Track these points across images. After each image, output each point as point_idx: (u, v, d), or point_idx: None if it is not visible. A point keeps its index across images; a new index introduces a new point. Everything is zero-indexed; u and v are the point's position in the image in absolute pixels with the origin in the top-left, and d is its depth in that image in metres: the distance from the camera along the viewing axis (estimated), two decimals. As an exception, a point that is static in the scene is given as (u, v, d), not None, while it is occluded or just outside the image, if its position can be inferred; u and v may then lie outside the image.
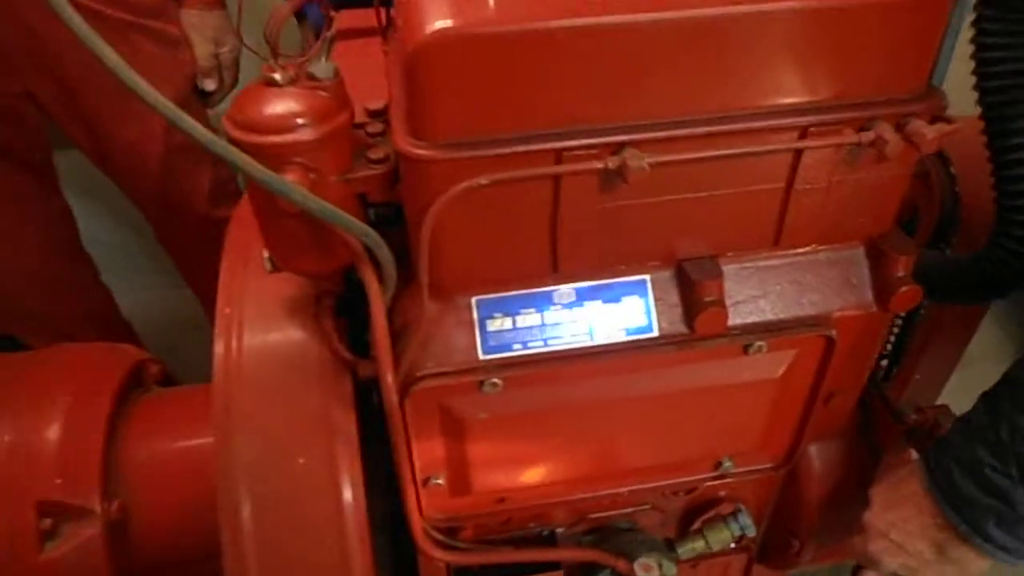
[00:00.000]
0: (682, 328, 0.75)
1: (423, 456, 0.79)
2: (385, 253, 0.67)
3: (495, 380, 0.73)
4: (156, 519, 1.00)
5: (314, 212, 0.62)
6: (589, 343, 0.74)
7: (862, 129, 0.67)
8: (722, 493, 0.97)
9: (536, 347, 0.73)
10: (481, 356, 0.73)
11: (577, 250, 0.71)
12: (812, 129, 0.67)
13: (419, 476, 0.81)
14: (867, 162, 0.70)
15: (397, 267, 0.70)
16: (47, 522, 0.90)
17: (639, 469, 0.88)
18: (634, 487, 0.90)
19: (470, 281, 0.73)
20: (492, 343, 0.73)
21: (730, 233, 0.74)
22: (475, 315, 0.73)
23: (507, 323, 0.73)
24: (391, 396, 0.70)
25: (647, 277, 0.75)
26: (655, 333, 0.75)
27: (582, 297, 0.74)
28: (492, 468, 0.83)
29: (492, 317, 0.73)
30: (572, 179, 0.66)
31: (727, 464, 0.90)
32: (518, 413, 0.77)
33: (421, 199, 0.65)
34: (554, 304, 0.74)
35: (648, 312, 0.75)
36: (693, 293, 0.74)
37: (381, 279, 0.70)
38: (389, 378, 0.69)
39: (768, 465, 0.92)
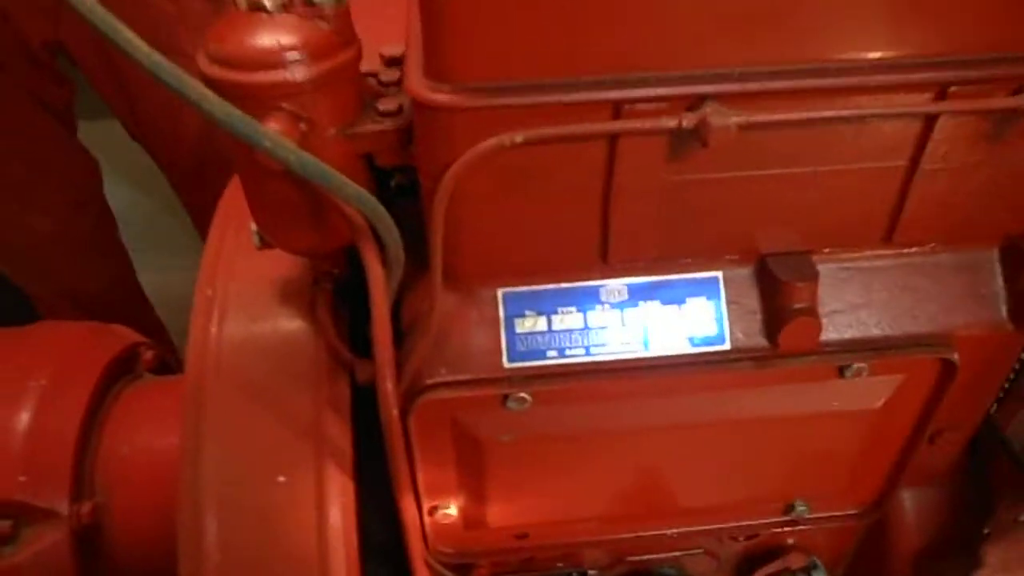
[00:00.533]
0: (761, 341, 0.59)
1: (430, 481, 0.65)
2: (388, 226, 0.53)
3: (522, 395, 0.58)
4: (134, 524, 0.87)
5: (293, 167, 0.48)
6: (642, 354, 0.59)
7: (1018, 91, 0.51)
8: (790, 541, 0.81)
9: (575, 356, 0.59)
10: (506, 364, 0.58)
11: (633, 235, 0.56)
12: (953, 89, 0.51)
13: (425, 504, 0.67)
14: (1018, 137, 0.54)
15: (411, 249, 0.55)
16: (6, 524, 0.79)
17: (693, 509, 0.73)
18: (684, 529, 0.74)
19: (496, 269, 0.58)
20: (520, 348, 0.58)
21: (830, 223, 0.58)
22: (501, 312, 0.58)
23: (540, 324, 0.58)
24: (389, 407, 0.56)
25: (719, 274, 0.60)
26: (726, 346, 0.60)
27: (636, 296, 0.59)
28: (514, 499, 0.68)
29: (522, 316, 0.58)
30: (633, 141, 0.51)
31: (800, 508, 0.74)
32: (549, 436, 0.62)
33: (438, 159, 0.51)
34: (601, 303, 0.59)
35: (719, 319, 0.59)
36: (778, 297, 0.58)
37: (385, 261, 0.56)
38: (388, 385, 0.55)
39: (851, 512, 0.76)
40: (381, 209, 0.52)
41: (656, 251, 0.58)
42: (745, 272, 0.60)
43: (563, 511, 0.71)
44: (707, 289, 0.60)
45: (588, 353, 0.59)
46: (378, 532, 0.70)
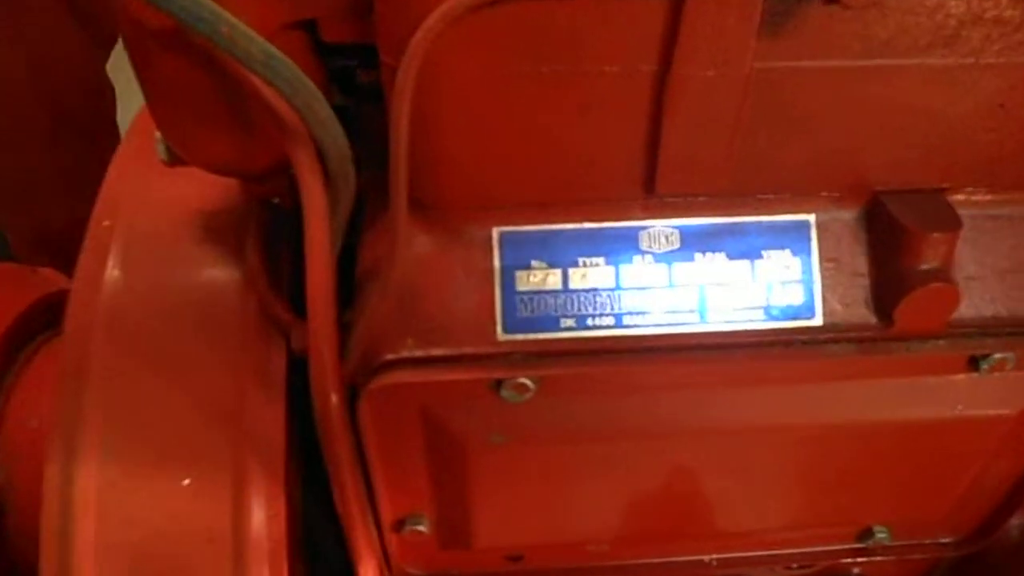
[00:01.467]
0: (867, 316, 0.42)
1: (393, 486, 0.48)
2: (321, 118, 0.35)
3: (523, 380, 0.40)
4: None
5: (176, 14, 0.30)
6: (696, 328, 0.41)
7: None
8: (856, 571, 0.63)
9: (601, 328, 0.41)
10: (501, 335, 0.41)
11: (694, 152, 0.38)
12: None
13: (387, 516, 0.49)
14: None
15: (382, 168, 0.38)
16: None
17: (742, 532, 0.55)
18: (728, 555, 0.57)
19: (490, 197, 0.40)
20: (522, 314, 0.40)
21: (981, 148, 0.40)
22: (496, 261, 0.41)
23: (552, 280, 0.41)
24: (325, 389, 0.38)
25: (811, 217, 0.42)
26: (817, 320, 0.42)
27: (692, 244, 0.41)
28: (507, 513, 0.51)
29: (526, 267, 0.41)
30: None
31: (880, 535, 0.56)
32: (559, 439, 0.45)
33: (399, 21, 0.33)
34: (641, 252, 0.41)
35: (808, 282, 0.41)
36: (899, 253, 0.40)
37: (326, 176, 0.38)
38: (326, 356, 0.38)
39: (944, 540, 0.58)
40: (308, 87, 0.34)
41: (724, 180, 0.40)
42: (849, 216, 0.42)
43: (572, 530, 0.53)
44: (793, 238, 0.42)
45: (619, 324, 0.41)
46: (337, 553, 0.53)
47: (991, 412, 0.46)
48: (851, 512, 0.55)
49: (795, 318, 0.42)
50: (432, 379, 0.40)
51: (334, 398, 0.39)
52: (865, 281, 0.42)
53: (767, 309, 0.42)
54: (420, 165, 0.38)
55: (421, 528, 0.51)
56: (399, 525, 0.51)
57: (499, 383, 0.41)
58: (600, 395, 0.43)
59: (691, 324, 0.41)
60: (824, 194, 0.42)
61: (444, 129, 0.37)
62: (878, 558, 0.59)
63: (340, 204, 0.40)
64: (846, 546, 0.59)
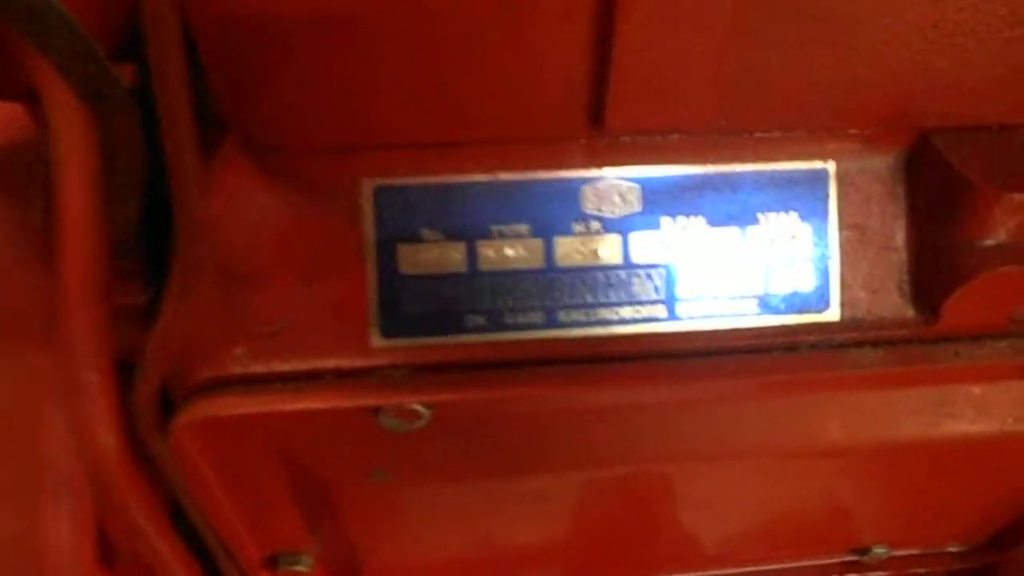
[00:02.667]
0: (903, 308, 0.29)
1: (253, 523, 0.35)
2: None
3: (415, 406, 0.27)
4: None
5: None
6: (664, 326, 0.29)
7: None
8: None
9: (527, 326, 0.28)
10: (376, 340, 0.27)
11: (661, 68, 0.24)
12: None
13: (253, 555, 0.37)
14: None
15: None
16: None
17: (703, 557, 0.44)
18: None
19: (355, 133, 0.26)
20: (408, 308, 0.27)
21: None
22: (367, 229, 0.27)
23: (452, 256, 0.27)
24: (89, 422, 0.25)
25: (829, 166, 0.29)
26: (834, 314, 0.29)
27: (657, 205, 0.28)
28: (410, 550, 0.39)
29: (413, 238, 0.27)
30: None
31: (879, 551, 0.46)
32: (466, 474, 0.32)
33: None
34: (583, 216, 0.28)
35: (823, 258, 0.29)
36: (957, 221, 0.27)
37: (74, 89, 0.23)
38: (84, 371, 0.24)
39: (953, 549, 0.48)
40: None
41: (707, 109, 0.27)
42: (883, 164, 0.29)
43: (500, 559, 0.42)
44: (803, 196, 0.29)
45: (552, 323, 0.28)
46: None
47: (1049, 427, 0.35)
48: (843, 536, 0.45)
49: (802, 311, 0.29)
50: (274, 408, 0.27)
51: (103, 435, 0.25)
52: (902, 258, 0.29)
53: (764, 299, 0.29)
54: (242, 81, 0.24)
55: (300, 568, 0.39)
56: (271, 564, 0.39)
57: (377, 411, 0.28)
58: (525, 422, 0.30)
59: (656, 321, 0.29)
60: (850, 131, 0.29)
61: (271, 21, 0.23)
62: (874, 574, 0.49)
63: (121, 148, 0.25)
64: (836, 560, 0.48)
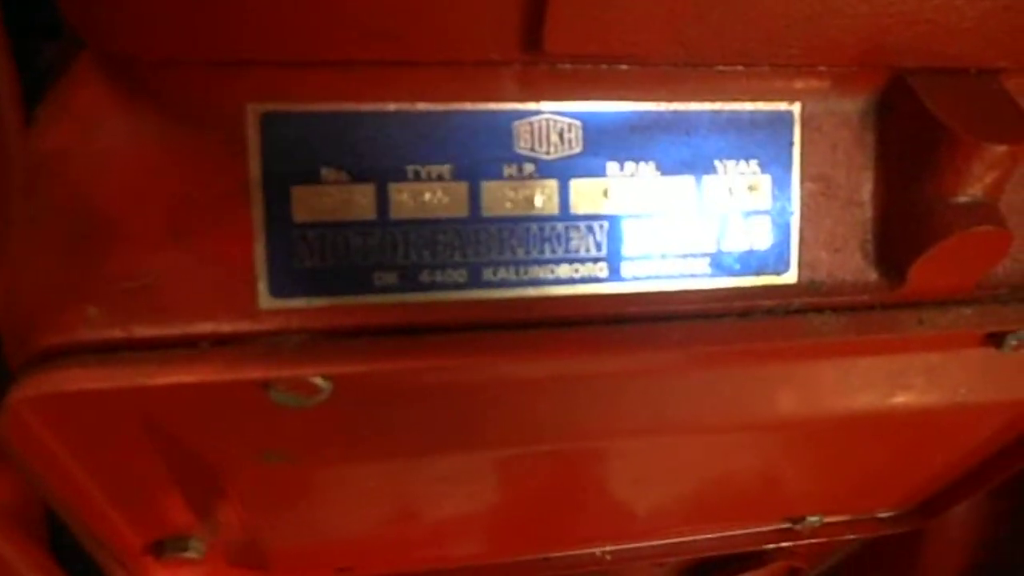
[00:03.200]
0: (867, 271, 0.27)
1: (127, 507, 0.30)
2: None
3: (315, 380, 0.23)
4: None
5: None
6: (605, 287, 0.25)
7: None
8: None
9: (447, 286, 0.24)
10: (265, 300, 0.23)
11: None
12: None
13: (136, 540, 0.32)
14: None
15: None
16: None
17: (645, 528, 0.42)
18: (621, 547, 0.44)
19: (236, 44, 0.21)
20: (304, 262, 0.23)
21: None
22: (252, 165, 0.22)
23: (358, 201, 0.23)
24: None
25: (793, 108, 0.25)
26: (791, 276, 0.26)
27: (600, 147, 0.24)
28: (314, 534, 0.35)
29: (310, 178, 0.22)
30: None
31: (812, 520, 0.44)
32: (373, 455, 0.28)
33: None
34: (515, 156, 0.24)
35: (784, 213, 0.25)
36: (932, 174, 0.24)
37: None
38: None
39: (884, 514, 0.47)
40: None
41: (660, 35, 0.23)
42: (853, 107, 0.26)
43: (422, 536, 0.38)
44: (765, 141, 0.25)
45: (476, 282, 0.24)
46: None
47: (1001, 397, 0.33)
48: (778, 507, 0.43)
49: (759, 272, 0.26)
50: (136, 383, 0.22)
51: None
52: (867, 214, 0.26)
53: (716, 258, 0.26)
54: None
55: (191, 554, 0.34)
56: (156, 550, 0.34)
57: (266, 384, 0.23)
58: (444, 396, 0.26)
59: (596, 282, 0.25)
60: (819, 68, 0.25)
61: None
62: (806, 541, 0.47)
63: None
64: (770, 528, 0.47)
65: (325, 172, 0.23)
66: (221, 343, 0.23)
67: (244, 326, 0.23)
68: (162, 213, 0.22)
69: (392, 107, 0.23)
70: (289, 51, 0.22)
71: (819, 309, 0.26)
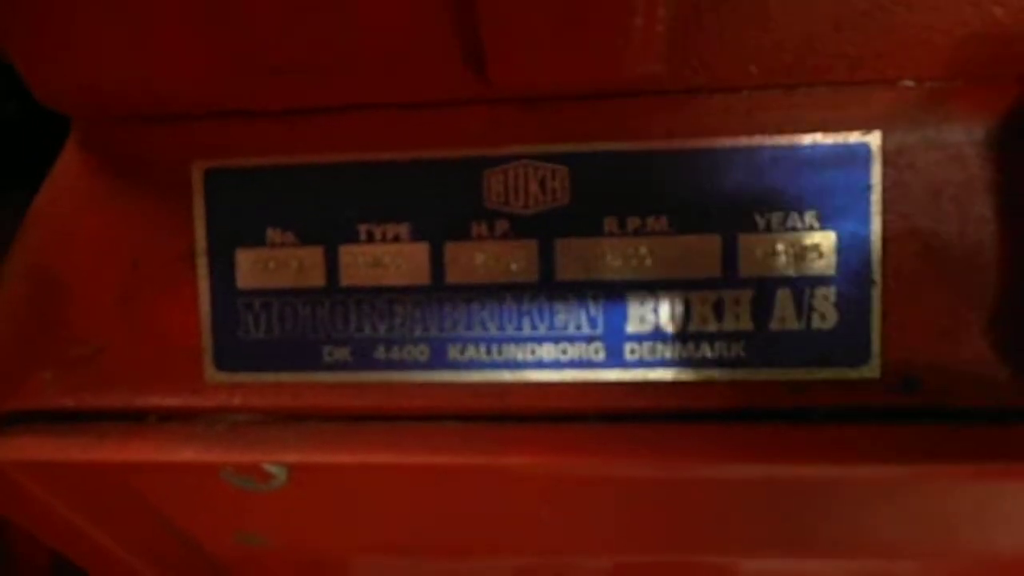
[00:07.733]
0: (992, 364, 0.18)
1: (150, 547, 0.30)
2: None
3: (268, 467, 0.20)
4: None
5: None
6: (601, 373, 0.20)
7: None
8: None
9: (406, 365, 0.20)
10: (211, 374, 0.21)
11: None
12: None
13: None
14: None
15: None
16: None
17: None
18: None
19: (181, 98, 0.19)
20: (250, 333, 0.20)
21: None
22: (197, 227, 0.20)
23: (308, 265, 0.20)
24: None
25: (870, 140, 0.18)
26: (873, 370, 0.19)
27: (593, 197, 0.19)
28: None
29: (256, 240, 0.20)
30: None
31: None
32: (350, 548, 0.25)
33: None
34: (485, 213, 0.19)
35: (855, 282, 0.18)
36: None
37: None
38: None
39: None
40: None
41: (662, 51, 0.17)
42: (961, 135, 0.18)
43: None
44: (827, 186, 0.19)
45: (439, 362, 0.20)
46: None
47: None
48: None
49: (821, 363, 0.19)
50: (82, 458, 0.21)
51: None
52: (992, 285, 0.19)
53: (759, 342, 0.19)
54: (13, 21, 0.18)
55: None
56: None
57: (218, 468, 0.21)
58: (417, 490, 0.22)
59: (591, 367, 0.20)
60: (904, 83, 0.18)
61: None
62: None
63: None
64: None
65: (271, 233, 0.20)
66: (167, 418, 0.21)
67: (190, 400, 0.21)
68: (113, 277, 0.21)
69: (342, 157, 0.20)
70: (227, 101, 0.20)
71: (916, 415, 0.19)
